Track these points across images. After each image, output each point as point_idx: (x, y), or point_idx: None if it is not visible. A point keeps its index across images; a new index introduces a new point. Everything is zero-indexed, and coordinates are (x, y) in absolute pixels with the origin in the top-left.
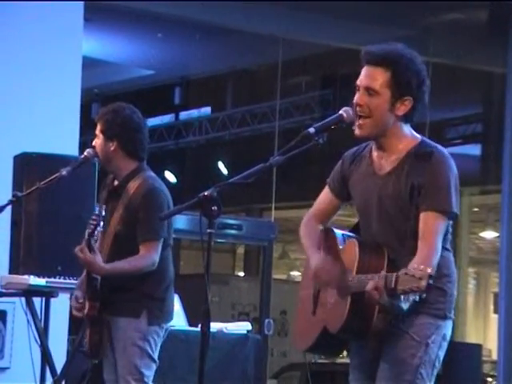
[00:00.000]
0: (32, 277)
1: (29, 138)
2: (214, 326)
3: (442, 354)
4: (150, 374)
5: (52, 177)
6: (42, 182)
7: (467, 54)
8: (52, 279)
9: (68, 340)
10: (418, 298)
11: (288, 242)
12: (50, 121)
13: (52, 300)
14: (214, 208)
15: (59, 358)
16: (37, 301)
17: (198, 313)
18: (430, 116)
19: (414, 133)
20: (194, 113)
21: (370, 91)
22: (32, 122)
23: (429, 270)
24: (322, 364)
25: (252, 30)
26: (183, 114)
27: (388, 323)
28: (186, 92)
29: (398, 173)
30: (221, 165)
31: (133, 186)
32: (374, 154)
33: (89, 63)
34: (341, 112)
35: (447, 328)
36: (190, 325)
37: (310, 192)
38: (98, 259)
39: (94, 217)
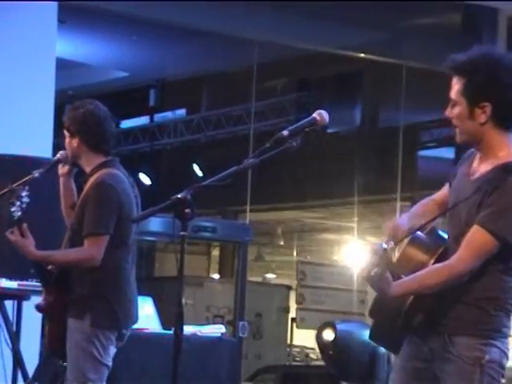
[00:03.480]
0: (4, 280)
1: (2, 139)
2: (188, 329)
3: (502, 370)
4: (96, 377)
5: (24, 179)
6: (14, 184)
7: (441, 57)
8: (24, 282)
9: (40, 343)
10: None
11: (263, 245)
12: (24, 122)
13: (24, 303)
14: (188, 210)
15: (31, 361)
16: (8, 304)
17: (172, 316)
18: (404, 119)
19: None
20: (168, 115)
21: (451, 102)
22: (5, 124)
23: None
24: (297, 367)
25: (228, 32)
26: (158, 116)
27: (437, 345)
28: (160, 94)
29: (481, 182)
30: (196, 167)
31: (90, 181)
32: (477, 156)
33: (63, 65)
34: (314, 115)
35: (502, 344)
36: (165, 328)
37: (284, 194)
38: (29, 243)
39: (11, 200)
